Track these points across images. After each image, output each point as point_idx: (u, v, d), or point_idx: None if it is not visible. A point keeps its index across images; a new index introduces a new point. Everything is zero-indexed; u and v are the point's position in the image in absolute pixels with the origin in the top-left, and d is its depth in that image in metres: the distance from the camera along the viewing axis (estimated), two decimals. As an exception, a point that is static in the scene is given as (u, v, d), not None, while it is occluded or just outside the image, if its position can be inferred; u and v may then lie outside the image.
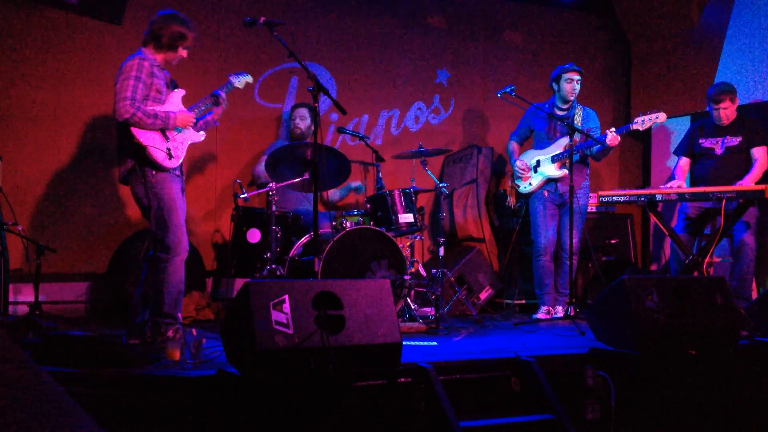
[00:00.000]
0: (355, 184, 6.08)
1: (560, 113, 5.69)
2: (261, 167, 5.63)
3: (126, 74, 4.02)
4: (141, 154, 4.03)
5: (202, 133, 4.36)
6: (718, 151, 5.57)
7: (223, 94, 4.42)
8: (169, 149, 4.08)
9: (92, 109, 5.70)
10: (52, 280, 5.50)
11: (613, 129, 5.42)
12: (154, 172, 4.05)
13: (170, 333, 3.95)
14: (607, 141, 5.34)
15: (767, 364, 3.97)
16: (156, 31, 4.17)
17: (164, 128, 4.09)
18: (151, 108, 4.05)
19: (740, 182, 5.25)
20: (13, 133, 5.47)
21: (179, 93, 4.29)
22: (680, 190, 5.30)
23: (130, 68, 4.04)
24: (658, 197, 5.28)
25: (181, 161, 4.20)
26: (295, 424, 3.01)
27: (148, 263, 4.16)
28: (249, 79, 4.59)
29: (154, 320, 4.06)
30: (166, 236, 4.06)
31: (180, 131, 4.20)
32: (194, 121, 4.25)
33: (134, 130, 4.00)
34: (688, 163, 5.75)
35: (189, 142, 4.27)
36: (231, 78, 4.53)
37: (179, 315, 4.15)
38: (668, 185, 5.51)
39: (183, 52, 4.25)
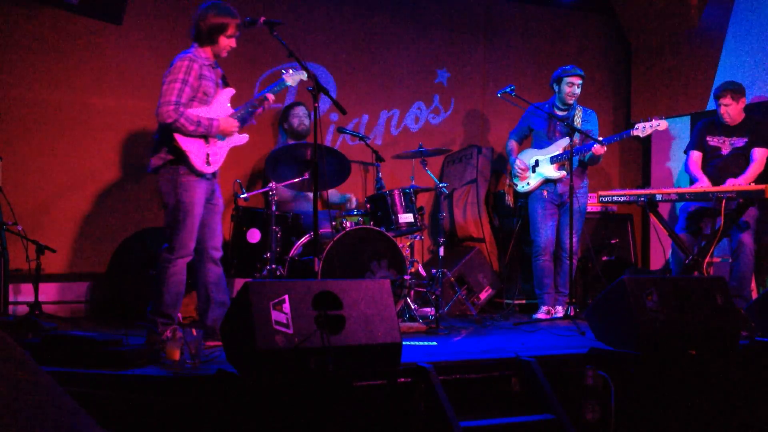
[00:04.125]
0: (354, 199, 6.04)
1: (560, 114, 5.69)
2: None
3: (174, 75, 3.99)
4: (179, 156, 4.02)
5: (245, 135, 4.33)
6: (725, 151, 5.56)
7: (271, 97, 4.33)
8: (208, 155, 4.08)
9: (92, 108, 5.70)
10: (52, 280, 5.50)
11: (600, 139, 5.42)
12: (183, 172, 4.03)
13: (168, 333, 3.95)
14: (592, 149, 5.35)
15: (767, 364, 3.97)
16: (197, 26, 4.13)
17: (206, 135, 4.07)
18: (195, 114, 4.02)
19: (734, 181, 5.25)
20: (13, 133, 5.47)
21: (228, 93, 4.26)
22: (680, 190, 5.30)
23: (179, 69, 4.00)
24: (658, 197, 5.27)
25: (218, 166, 4.19)
26: (295, 424, 3.01)
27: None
28: (303, 75, 4.38)
29: (152, 319, 4.07)
30: (174, 237, 4.05)
31: (222, 139, 4.19)
32: (238, 127, 4.21)
33: (176, 135, 3.99)
34: (701, 156, 5.66)
35: (231, 146, 4.25)
36: (284, 76, 4.38)
37: (178, 315, 4.15)
38: (697, 186, 5.44)
39: (229, 42, 4.16)
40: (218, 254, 4.28)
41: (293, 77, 4.38)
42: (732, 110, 5.49)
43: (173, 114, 3.93)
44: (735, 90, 5.48)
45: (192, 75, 4.01)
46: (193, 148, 4.02)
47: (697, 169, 5.62)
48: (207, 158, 4.07)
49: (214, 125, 4.08)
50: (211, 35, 4.12)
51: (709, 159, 5.63)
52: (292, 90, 6.35)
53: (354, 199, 6.02)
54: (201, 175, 4.08)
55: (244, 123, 4.38)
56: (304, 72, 4.31)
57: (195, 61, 4.05)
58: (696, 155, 5.68)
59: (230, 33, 4.15)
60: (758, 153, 5.45)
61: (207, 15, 4.11)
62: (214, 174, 4.24)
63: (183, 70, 4.00)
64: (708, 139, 5.63)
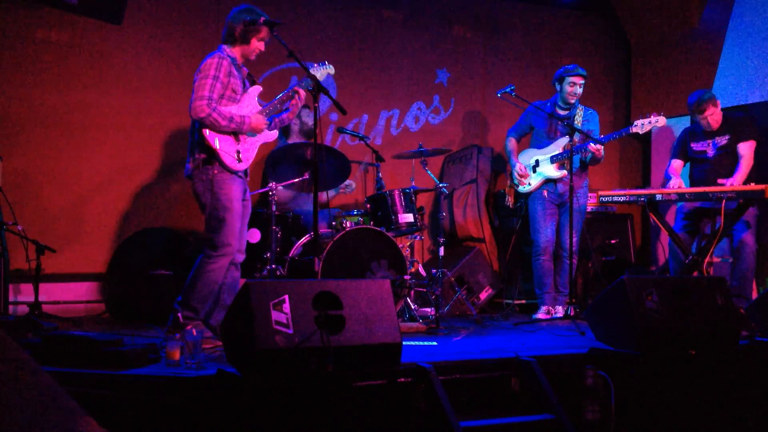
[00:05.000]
0: (353, 184, 6.03)
1: (561, 113, 5.68)
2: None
3: (205, 72, 4.04)
4: (211, 155, 4.06)
5: (274, 132, 4.37)
6: (710, 153, 5.58)
7: (301, 91, 4.35)
8: (238, 152, 4.11)
9: (92, 108, 5.70)
10: (52, 280, 5.50)
11: (601, 137, 5.41)
12: (216, 171, 4.06)
13: (189, 327, 3.94)
14: (590, 147, 5.34)
15: (767, 364, 3.97)
16: (230, 26, 4.19)
17: (238, 132, 4.10)
18: (227, 110, 4.06)
19: (729, 180, 5.25)
20: (13, 133, 5.47)
21: (255, 90, 4.29)
22: (680, 190, 5.30)
23: (209, 66, 4.05)
24: (658, 197, 5.27)
25: (249, 163, 4.22)
26: (295, 424, 3.01)
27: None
28: (330, 69, 4.46)
29: (177, 309, 4.07)
30: (216, 236, 4.07)
31: (253, 135, 4.21)
32: (267, 123, 4.24)
33: (206, 133, 4.02)
34: (681, 164, 5.76)
35: (260, 143, 4.28)
36: (310, 70, 4.34)
37: (204, 312, 4.14)
38: (669, 185, 5.51)
39: (259, 44, 4.23)
40: (241, 258, 4.30)
41: (320, 71, 4.41)
42: (717, 116, 5.53)
43: (206, 109, 3.97)
44: (711, 98, 5.53)
45: (222, 72, 4.06)
46: (223, 146, 4.06)
47: (671, 171, 5.70)
48: (238, 156, 4.11)
49: (246, 122, 4.12)
50: (244, 36, 4.18)
51: (697, 164, 5.67)
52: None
53: (353, 184, 5.97)
54: (233, 172, 4.12)
55: (282, 124, 4.42)
56: (331, 67, 4.43)
57: (224, 58, 4.11)
58: (677, 163, 5.76)
59: (262, 36, 4.22)
60: (744, 148, 5.45)
61: (241, 18, 4.17)
62: (246, 172, 4.28)
63: (214, 67, 4.05)
64: (693, 145, 5.67)
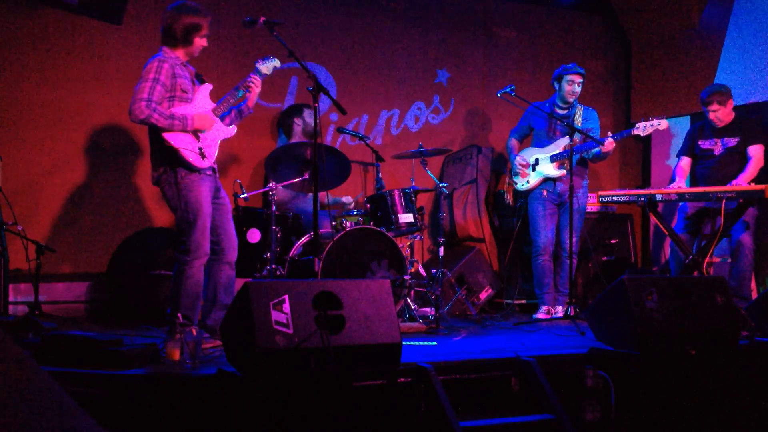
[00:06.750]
0: (346, 198, 6.02)
1: (561, 112, 5.69)
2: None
3: (144, 77, 3.96)
4: (173, 156, 3.99)
5: (233, 127, 4.30)
6: (717, 151, 5.59)
7: (254, 78, 4.25)
8: (201, 149, 4.05)
9: (92, 109, 5.70)
10: (52, 280, 5.50)
11: (610, 134, 5.42)
12: (183, 174, 4.01)
13: (188, 327, 3.92)
14: (603, 147, 5.34)
15: (767, 364, 3.97)
16: (168, 27, 4.07)
17: (183, 130, 4.03)
18: (168, 110, 3.99)
19: (735, 180, 5.26)
20: (13, 133, 5.47)
21: (206, 88, 4.23)
22: (680, 190, 5.30)
23: (149, 71, 3.97)
24: (658, 197, 5.27)
25: (213, 160, 4.18)
26: (295, 424, 3.01)
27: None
28: (276, 63, 4.35)
29: (172, 321, 4.05)
30: (188, 239, 4.02)
31: (204, 132, 4.15)
32: (214, 122, 4.16)
33: (165, 135, 3.96)
34: (689, 163, 5.76)
35: (220, 140, 4.23)
36: (258, 65, 4.30)
37: (197, 318, 4.11)
38: (670, 187, 5.52)
39: (202, 41, 4.14)
40: (233, 255, 4.26)
41: (266, 65, 4.31)
42: (721, 114, 5.53)
43: (145, 110, 3.88)
44: (720, 94, 5.51)
45: (163, 74, 3.97)
46: (184, 144, 3.99)
47: (679, 172, 5.71)
48: (201, 152, 4.05)
49: (189, 119, 4.01)
50: (186, 36, 4.08)
51: (702, 161, 5.67)
52: (293, 90, 6.35)
53: (351, 199, 5.99)
54: (199, 171, 4.06)
55: (241, 116, 4.37)
56: (276, 60, 4.32)
57: (165, 61, 4.01)
58: (685, 161, 5.76)
59: (204, 33, 4.13)
60: (754, 150, 5.46)
61: (180, 16, 4.06)
62: (213, 170, 4.22)
63: (153, 70, 3.96)
64: (699, 143, 5.67)
